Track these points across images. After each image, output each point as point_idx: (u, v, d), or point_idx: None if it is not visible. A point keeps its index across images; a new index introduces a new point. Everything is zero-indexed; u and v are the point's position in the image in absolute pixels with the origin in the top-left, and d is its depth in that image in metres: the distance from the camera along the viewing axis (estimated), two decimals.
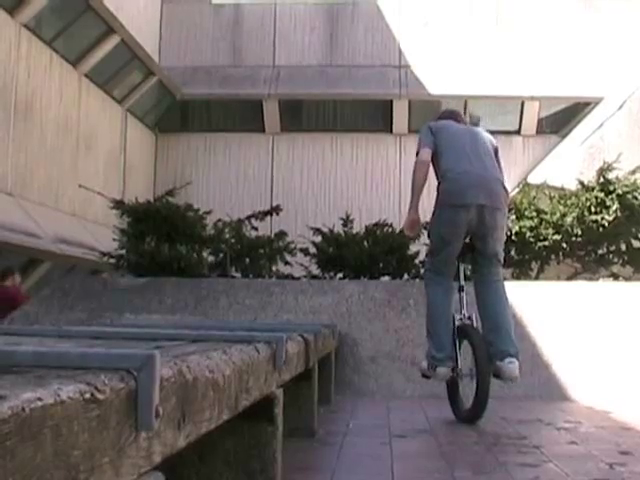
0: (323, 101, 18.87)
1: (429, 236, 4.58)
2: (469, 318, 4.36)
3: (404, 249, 7.39)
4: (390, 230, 7.69)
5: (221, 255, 7.57)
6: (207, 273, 7.25)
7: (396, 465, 3.08)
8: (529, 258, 7.69)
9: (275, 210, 8.11)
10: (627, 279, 7.65)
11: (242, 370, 1.72)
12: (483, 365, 4.07)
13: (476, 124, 4.98)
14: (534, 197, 7.97)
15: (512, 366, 4.14)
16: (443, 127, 4.57)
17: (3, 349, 1.19)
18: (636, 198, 7.54)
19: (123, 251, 7.34)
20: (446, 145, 4.44)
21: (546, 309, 5.95)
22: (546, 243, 7.53)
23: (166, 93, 18.28)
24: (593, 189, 7.65)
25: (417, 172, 4.44)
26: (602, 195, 7.54)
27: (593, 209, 7.50)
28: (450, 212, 4.30)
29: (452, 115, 4.81)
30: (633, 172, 7.89)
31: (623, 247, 7.70)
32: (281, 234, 7.84)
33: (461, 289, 4.45)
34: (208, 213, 7.72)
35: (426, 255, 4.73)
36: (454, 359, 4.30)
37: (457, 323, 4.36)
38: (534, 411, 4.96)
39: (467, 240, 4.39)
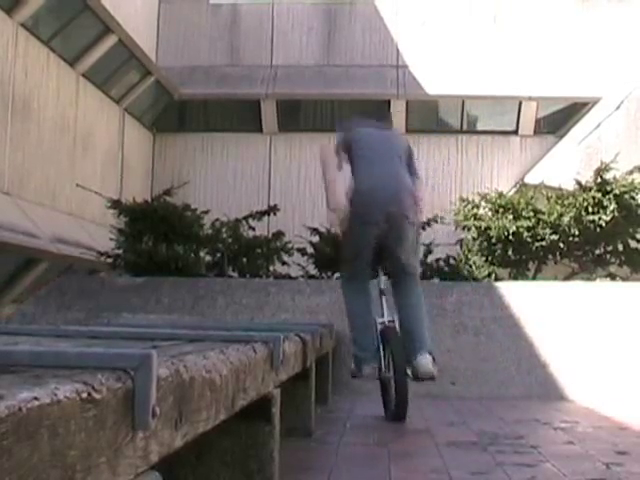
0: (321, 101, 18.85)
1: (342, 246, 4.69)
2: (391, 321, 4.40)
3: None
4: None
5: (218, 255, 7.56)
6: (204, 273, 7.25)
7: (393, 465, 3.08)
8: (526, 258, 7.70)
9: (272, 210, 8.10)
10: (624, 279, 7.66)
11: (239, 370, 1.72)
12: (399, 365, 4.15)
13: (386, 120, 5.16)
14: (531, 197, 7.98)
15: (423, 359, 4.19)
16: (356, 135, 4.71)
17: (0, 349, 1.19)
18: (633, 198, 7.55)
19: (120, 251, 7.34)
20: (359, 153, 4.56)
21: (543, 309, 5.95)
22: (543, 243, 7.54)
23: (164, 93, 18.26)
24: (590, 189, 7.66)
25: (320, 156, 4.75)
26: (599, 195, 7.55)
27: (590, 209, 7.50)
28: (360, 228, 4.41)
29: (371, 118, 5.03)
30: (630, 172, 7.91)
31: (620, 247, 7.71)
32: (278, 234, 7.84)
33: (381, 293, 4.52)
34: (206, 213, 7.72)
35: (340, 264, 4.85)
36: (378, 359, 4.35)
37: (380, 327, 4.41)
38: (531, 411, 4.97)
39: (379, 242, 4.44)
